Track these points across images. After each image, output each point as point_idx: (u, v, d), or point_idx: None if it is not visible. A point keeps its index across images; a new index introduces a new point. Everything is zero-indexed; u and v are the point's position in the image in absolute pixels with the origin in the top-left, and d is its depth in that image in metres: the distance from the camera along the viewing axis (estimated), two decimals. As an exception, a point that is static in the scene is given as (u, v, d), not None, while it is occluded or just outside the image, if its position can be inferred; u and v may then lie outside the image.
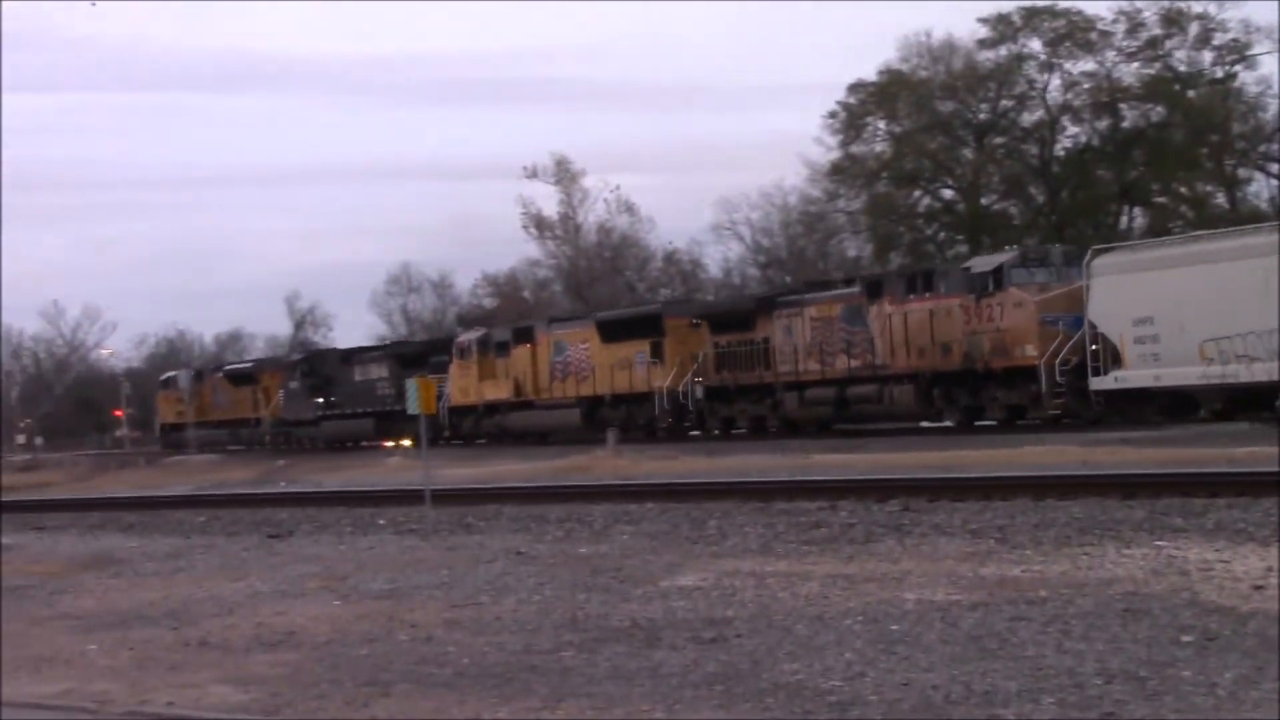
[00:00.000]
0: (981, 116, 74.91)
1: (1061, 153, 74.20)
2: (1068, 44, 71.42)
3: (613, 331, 51.54)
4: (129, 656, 14.55)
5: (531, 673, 12.25)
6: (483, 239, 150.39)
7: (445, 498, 29.11)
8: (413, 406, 27.00)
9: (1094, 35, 70.92)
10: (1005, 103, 74.26)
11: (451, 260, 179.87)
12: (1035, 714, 9.77)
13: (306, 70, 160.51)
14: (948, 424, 42.14)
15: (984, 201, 75.21)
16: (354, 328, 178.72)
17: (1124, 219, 72.51)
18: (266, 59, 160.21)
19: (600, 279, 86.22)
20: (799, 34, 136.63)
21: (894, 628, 13.06)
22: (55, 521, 33.99)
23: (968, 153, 75.37)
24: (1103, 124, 72.50)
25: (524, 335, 55.73)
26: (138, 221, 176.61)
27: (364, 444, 63.42)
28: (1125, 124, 71.65)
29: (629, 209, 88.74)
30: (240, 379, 73.68)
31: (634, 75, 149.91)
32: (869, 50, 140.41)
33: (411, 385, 27.41)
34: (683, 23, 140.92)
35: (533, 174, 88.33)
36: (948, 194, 77.36)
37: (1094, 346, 36.65)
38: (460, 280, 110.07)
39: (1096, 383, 36.45)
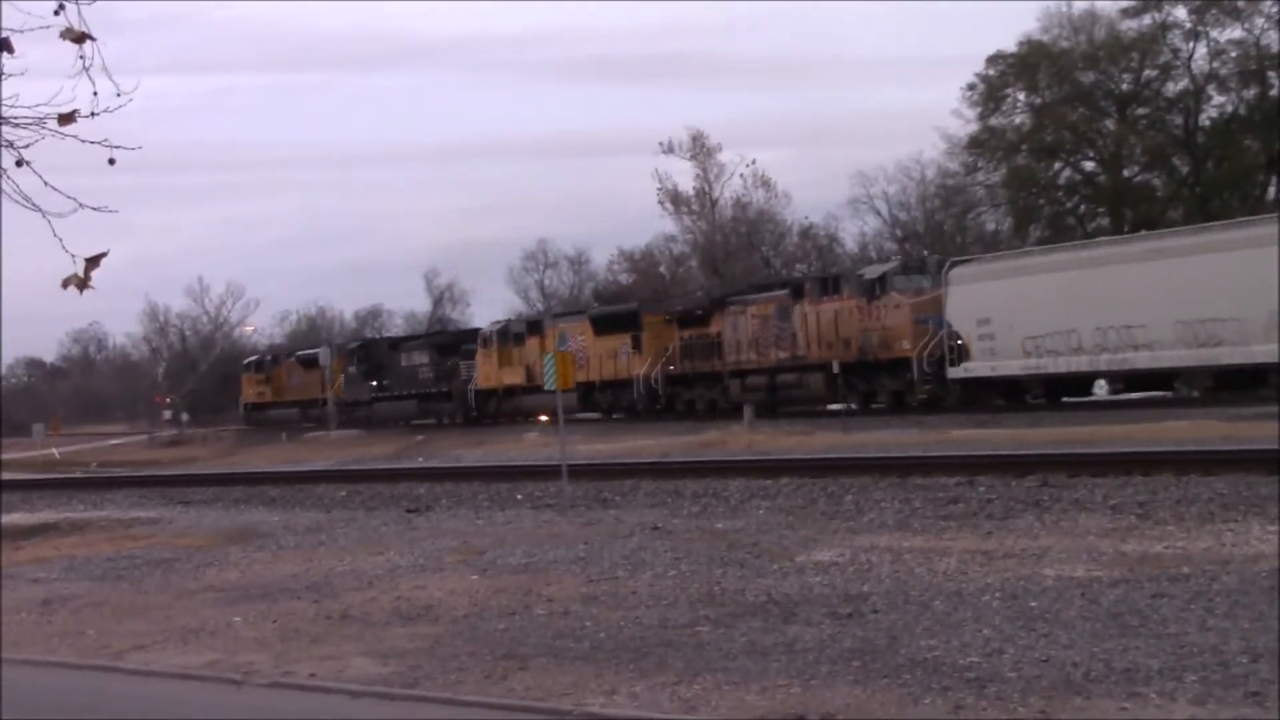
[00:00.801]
0: (1124, 87, 73.67)
1: (1207, 123, 72.70)
2: (1214, 11, 69.96)
3: (603, 326, 57.94)
4: (273, 628, 14.81)
5: (667, 647, 12.30)
6: (618, 214, 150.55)
7: (581, 473, 29.27)
8: (550, 383, 27.21)
9: (1241, 2, 69.42)
10: (1149, 72, 72.95)
11: (587, 236, 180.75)
12: (1178, 692, 9.66)
13: (444, 49, 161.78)
14: (868, 407, 47.89)
15: (1126, 173, 73.97)
16: (491, 304, 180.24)
17: (1271, 189, 70.98)
18: (404, 38, 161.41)
19: (736, 254, 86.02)
20: (936, 6, 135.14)
21: (1033, 604, 12.96)
22: (200, 496, 34.65)
23: (1110, 124, 74.15)
24: (1250, 93, 70.94)
25: (534, 328, 61.86)
26: (280, 200, 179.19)
27: (413, 421, 68.42)
28: (1273, 92, 70.08)
29: (765, 183, 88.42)
30: (309, 363, 79.49)
31: (770, 49, 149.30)
32: (1008, 22, 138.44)
33: (549, 361, 27.61)
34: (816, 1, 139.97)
35: (669, 149, 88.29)
36: (1089, 166, 76.20)
37: (953, 343, 43.35)
38: (596, 256, 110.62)
39: (952, 372, 43.31)
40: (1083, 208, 76.21)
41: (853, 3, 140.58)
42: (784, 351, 49.89)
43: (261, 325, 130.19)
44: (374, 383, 72.42)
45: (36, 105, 6.06)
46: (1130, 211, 69.21)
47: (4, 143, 6.12)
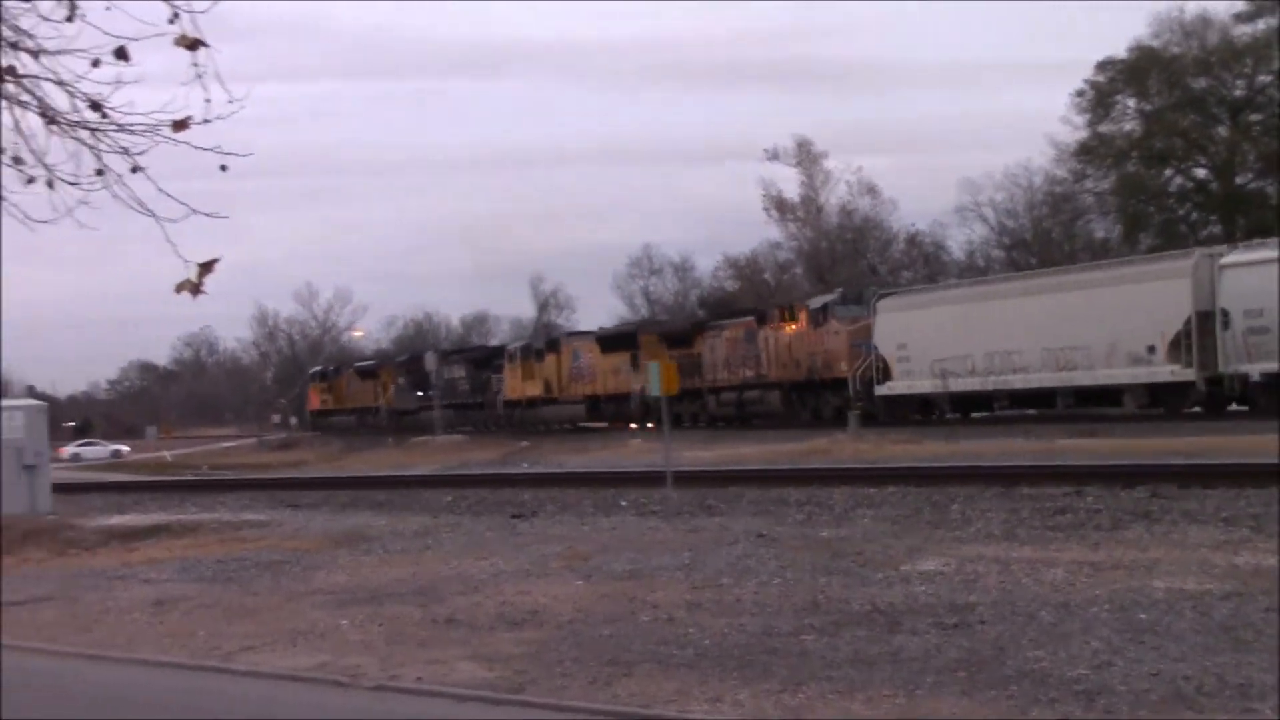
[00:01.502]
0: (1237, 93, 72.60)
1: (1321, 129, 71.48)
2: (1330, 16, 68.79)
3: (607, 345, 64.16)
4: (379, 631, 14.89)
5: (772, 655, 12.25)
6: (724, 221, 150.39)
7: (686, 479, 29.25)
8: (654, 389, 27.23)
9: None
10: (1262, 78, 71.83)
11: (693, 242, 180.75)
12: (1292, 708, 9.47)
13: (552, 55, 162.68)
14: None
15: (1239, 180, 72.92)
16: (596, 310, 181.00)
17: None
18: (513, 44, 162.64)
19: (842, 261, 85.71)
20: (1045, 11, 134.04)
21: (1142, 616, 12.77)
22: (309, 499, 34.97)
23: (1222, 130, 73.13)
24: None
25: (553, 345, 68.73)
26: (388, 205, 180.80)
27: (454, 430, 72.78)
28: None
29: (871, 190, 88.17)
30: (366, 374, 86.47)
31: (875, 55, 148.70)
32: (1118, 27, 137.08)
33: (653, 368, 27.66)
34: (924, 1, 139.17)
35: (774, 156, 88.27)
36: (1200, 173, 75.19)
37: (879, 365, 49.58)
38: (701, 262, 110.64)
39: (878, 390, 49.39)
40: (1194, 215, 75.22)
41: (963, 7, 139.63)
42: (750, 371, 56.08)
43: (369, 330, 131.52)
44: (419, 393, 78.20)
45: (151, 112, 6.13)
46: (1242, 219, 68.20)
47: (119, 149, 6.19)
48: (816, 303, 54.25)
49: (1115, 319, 40.99)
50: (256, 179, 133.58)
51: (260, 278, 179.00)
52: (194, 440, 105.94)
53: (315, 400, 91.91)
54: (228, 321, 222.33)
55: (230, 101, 6.13)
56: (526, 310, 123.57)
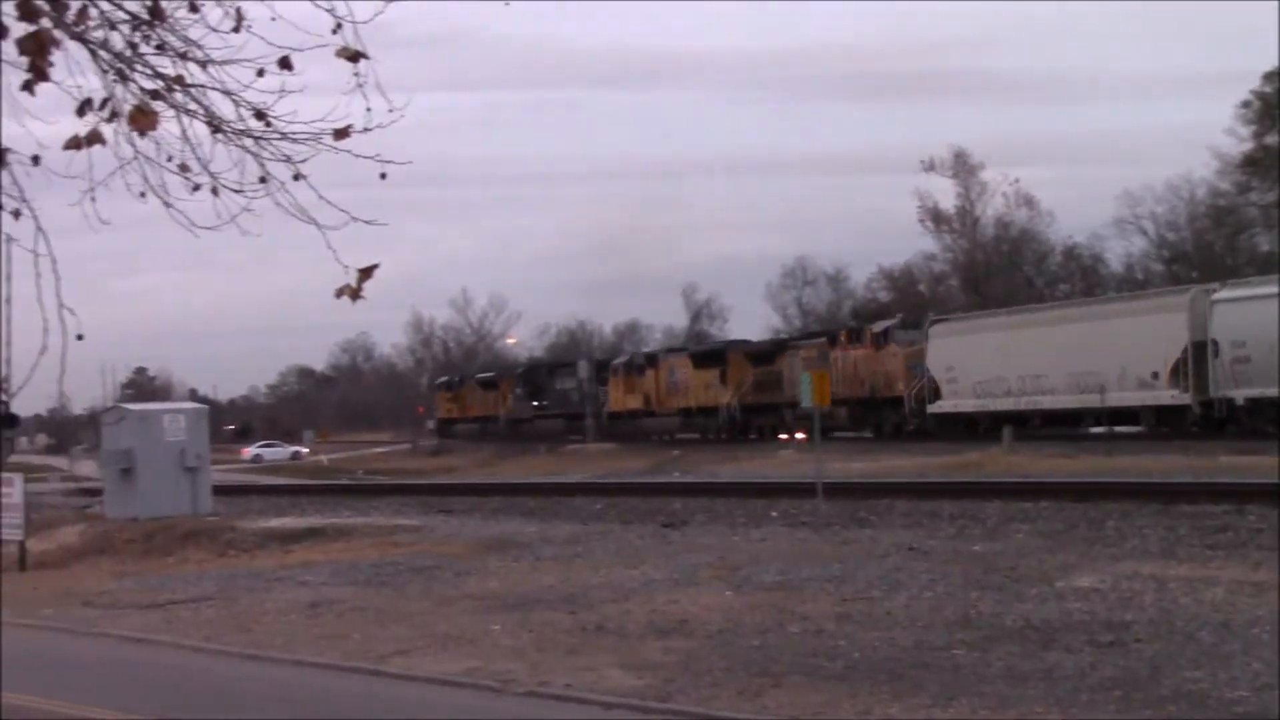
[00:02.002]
0: None
1: None
2: None
3: (699, 361, 68.56)
4: (529, 638, 14.99)
5: (923, 669, 12.14)
6: (878, 232, 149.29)
7: (837, 491, 29.09)
8: (806, 399, 27.16)
9: None
10: None
11: (846, 253, 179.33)
12: None
13: (706, 66, 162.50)
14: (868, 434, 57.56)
15: None
16: (749, 320, 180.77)
17: None
18: (666, 55, 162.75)
19: (997, 274, 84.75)
20: (1208, 20, 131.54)
21: (1306, 639, 12.48)
22: (461, 505, 35.28)
23: (1392, 142, 71.18)
24: None
25: (652, 361, 73.46)
26: (542, 214, 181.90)
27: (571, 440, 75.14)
28: None
29: (1028, 202, 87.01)
30: (487, 385, 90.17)
31: (1033, 66, 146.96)
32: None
33: (805, 379, 27.56)
34: (1081, 11, 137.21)
35: (930, 167, 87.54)
36: (1369, 186, 73.23)
37: (931, 386, 53.31)
38: (855, 273, 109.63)
39: (930, 409, 53.22)
40: (1363, 228, 73.32)
41: (1116, 18, 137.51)
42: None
43: (522, 337, 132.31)
44: (534, 403, 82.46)
45: (313, 121, 6.23)
46: None
47: (282, 156, 6.31)
48: (879, 327, 58.91)
49: (1126, 347, 44.97)
50: (415, 187, 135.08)
51: (417, 285, 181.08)
52: (349, 445, 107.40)
53: (442, 409, 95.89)
54: (384, 328, 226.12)
55: (390, 110, 6.21)
56: (679, 319, 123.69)
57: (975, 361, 51.13)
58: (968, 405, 51.87)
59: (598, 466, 57.38)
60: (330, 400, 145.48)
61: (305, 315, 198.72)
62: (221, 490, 39.45)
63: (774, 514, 27.86)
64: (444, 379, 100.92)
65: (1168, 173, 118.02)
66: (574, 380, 78.43)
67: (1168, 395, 44.08)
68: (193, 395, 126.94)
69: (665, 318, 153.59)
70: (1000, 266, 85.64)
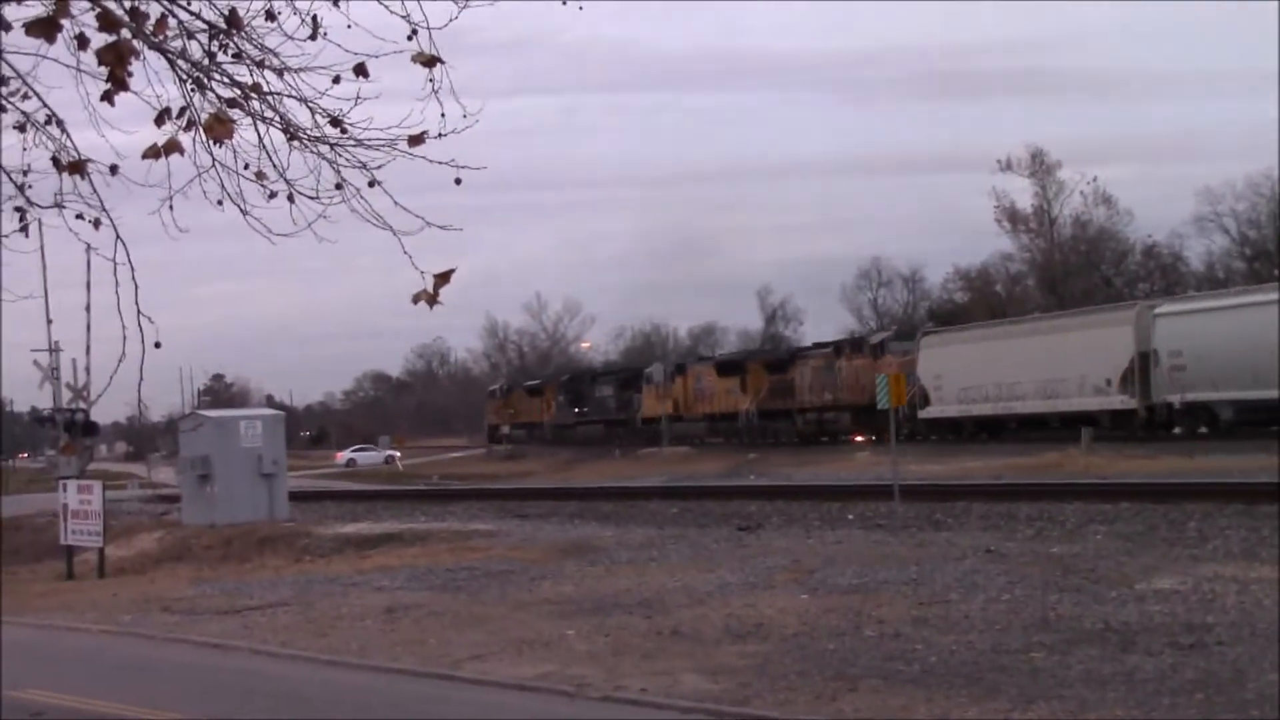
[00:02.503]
0: None
1: None
2: None
3: (723, 370, 73.79)
4: (605, 642, 15.02)
5: (1001, 673, 12.09)
6: (954, 233, 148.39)
7: (913, 493, 28.98)
8: (882, 401, 27.09)
9: None
10: None
11: (922, 254, 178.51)
12: None
13: (781, 67, 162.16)
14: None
15: None
16: (824, 322, 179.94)
17: None
18: (744, 57, 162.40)
19: (1075, 273, 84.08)
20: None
21: (1392, 641, 12.34)
22: (537, 510, 35.39)
23: None
24: None
25: (681, 370, 78.14)
26: (618, 218, 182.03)
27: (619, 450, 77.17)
28: None
29: (1106, 201, 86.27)
30: (533, 392, 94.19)
31: (1112, 62, 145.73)
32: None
33: (881, 381, 27.52)
34: (1158, 8, 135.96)
35: (1006, 166, 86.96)
36: None
37: (921, 393, 57.09)
38: (931, 274, 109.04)
39: (921, 414, 57.18)
40: None
41: (1194, 15, 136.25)
42: (829, 395, 64.58)
43: (596, 342, 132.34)
44: (576, 410, 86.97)
45: (388, 127, 6.27)
46: None
47: (357, 163, 6.36)
48: (876, 339, 65.13)
49: (1084, 358, 49.73)
50: (489, 193, 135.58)
51: (491, 289, 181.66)
52: (424, 450, 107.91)
53: (492, 415, 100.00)
54: (459, 333, 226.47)
55: (465, 116, 6.25)
56: (754, 322, 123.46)
57: (959, 371, 56.21)
58: (952, 410, 56.76)
59: (673, 470, 57.41)
60: (405, 406, 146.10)
61: (381, 321, 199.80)
62: (298, 496, 39.75)
63: (850, 517, 27.80)
64: (494, 387, 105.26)
65: (1248, 169, 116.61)
66: (611, 388, 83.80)
67: (1118, 400, 48.98)
68: (269, 401, 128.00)
69: (740, 320, 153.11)
70: (1078, 266, 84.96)
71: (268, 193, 6.30)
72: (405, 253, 6.09)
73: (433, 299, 5.90)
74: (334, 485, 63.23)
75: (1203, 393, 45.45)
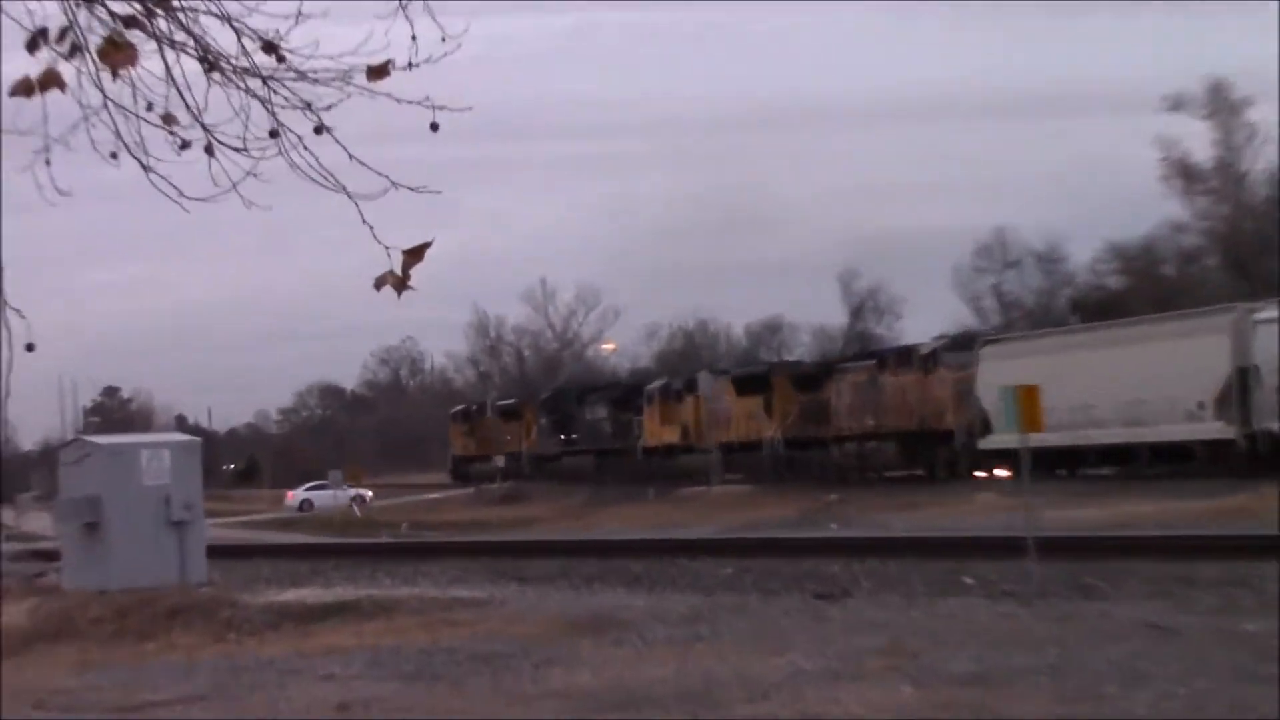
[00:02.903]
0: None
1: None
2: None
3: (742, 386, 76.98)
4: (635, 750, 15.00)
5: (1174, 793, 12.06)
6: (1105, 195, 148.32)
7: (1054, 548, 28.90)
8: (1009, 423, 27.04)
9: None
10: None
11: (1062, 224, 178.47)
12: None
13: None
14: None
15: None
16: (929, 314, 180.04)
17: None
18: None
19: (1273, 248, 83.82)
20: None
21: None
22: (542, 570, 35.42)
23: None
24: None
25: (691, 386, 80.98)
26: (648, 177, 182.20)
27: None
28: None
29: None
30: (509, 414, 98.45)
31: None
32: None
33: (1009, 396, 27.45)
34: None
35: (1176, 106, 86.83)
36: None
37: (981, 417, 58.97)
38: (1076, 251, 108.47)
39: (980, 444, 58.88)
40: None
41: None
42: (871, 419, 67.17)
43: (622, 343, 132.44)
44: (562, 435, 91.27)
45: (340, 55, 6.22)
46: None
47: (299, 103, 6.33)
48: (926, 347, 67.73)
49: (1170, 374, 51.44)
50: (476, 143, 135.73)
51: (481, 273, 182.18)
52: (391, 489, 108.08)
53: (457, 444, 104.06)
54: (437, 331, 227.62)
55: (444, 40, 6.22)
56: (834, 315, 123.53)
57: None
58: (1011, 441, 55.89)
59: (727, 516, 57.43)
60: (364, 429, 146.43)
61: (331, 317, 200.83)
62: (220, 551, 39.80)
63: (967, 580, 27.76)
64: (459, 408, 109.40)
65: None
66: (606, 408, 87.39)
67: (1215, 428, 50.80)
68: (180, 424, 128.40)
69: (817, 313, 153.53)
70: (1276, 239, 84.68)
71: (178, 142, 6.28)
72: (365, 222, 6.09)
73: (401, 283, 5.90)
74: (268, 537, 63.39)
75: None
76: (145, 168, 6.26)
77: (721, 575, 31.82)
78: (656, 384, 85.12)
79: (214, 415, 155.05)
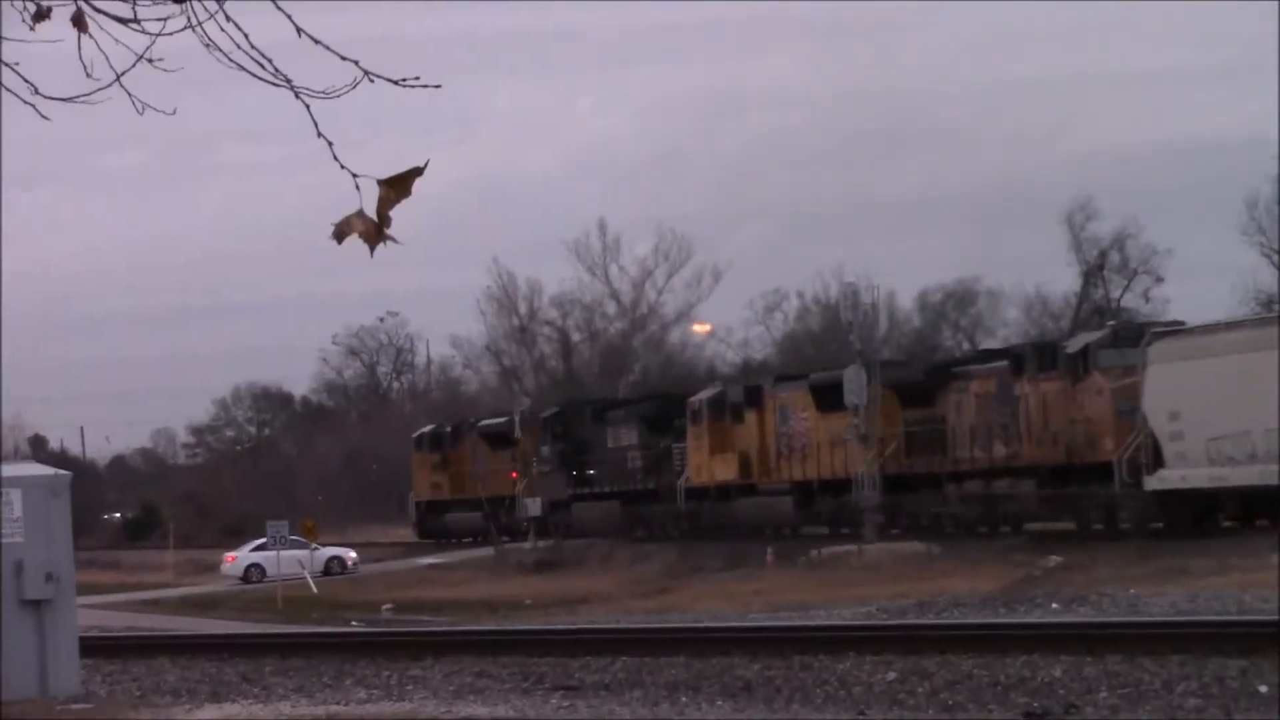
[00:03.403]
0: None
1: None
2: None
3: (822, 398, 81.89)
4: None
5: None
6: None
7: None
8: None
9: None
10: None
11: None
12: None
13: None
14: None
15: None
16: (1210, 275, 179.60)
17: None
18: None
19: None
20: None
21: None
22: (600, 673, 35.46)
23: None
24: None
25: (754, 398, 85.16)
26: (764, 62, 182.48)
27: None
28: None
29: None
30: (498, 440, 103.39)
31: None
32: None
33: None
34: None
35: None
36: None
37: (1149, 443, 64.58)
38: None
39: (1148, 483, 63.24)
40: None
41: None
42: (1002, 446, 72.47)
43: (726, 320, 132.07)
44: (574, 471, 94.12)
45: None
46: None
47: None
48: (1075, 344, 71.89)
49: None
50: (500, 8, 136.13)
51: (506, 213, 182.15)
52: (367, 550, 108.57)
53: (424, 483, 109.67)
54: (436, 303, 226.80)
55: None
56: (1059, 278, 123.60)
57: (1208, 402, 59.93)
58: (1200, 477, 60.83)
59: (886, 587, 57.58)
60: (323, 456, 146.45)
61: (268, 283, 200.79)
62: (99, 646, 39.99)
63: (1261, 689, 27.72)
64: (426, 429, 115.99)
65: None
66: (636, 430, 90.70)
67: None
68: (37, 448, 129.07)
69: (1031, 273, 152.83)
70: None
71: (29, 9, 6.29)
72: (320, 135, 6.08)
73: (377, 231, 5.88)
74: (177, 623, 63.77)
75: None
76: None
77: (879, 681, 31.87)
78: (704, 394, 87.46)
79: (88, 436, 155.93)
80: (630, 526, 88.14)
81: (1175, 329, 69.07)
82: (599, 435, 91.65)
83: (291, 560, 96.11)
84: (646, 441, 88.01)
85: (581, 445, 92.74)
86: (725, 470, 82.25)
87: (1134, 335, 68.64)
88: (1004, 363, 73.26)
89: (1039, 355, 70.68)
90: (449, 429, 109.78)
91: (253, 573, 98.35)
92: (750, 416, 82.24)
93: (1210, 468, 59.02)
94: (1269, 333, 61.01)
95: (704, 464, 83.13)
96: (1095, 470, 66.25)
